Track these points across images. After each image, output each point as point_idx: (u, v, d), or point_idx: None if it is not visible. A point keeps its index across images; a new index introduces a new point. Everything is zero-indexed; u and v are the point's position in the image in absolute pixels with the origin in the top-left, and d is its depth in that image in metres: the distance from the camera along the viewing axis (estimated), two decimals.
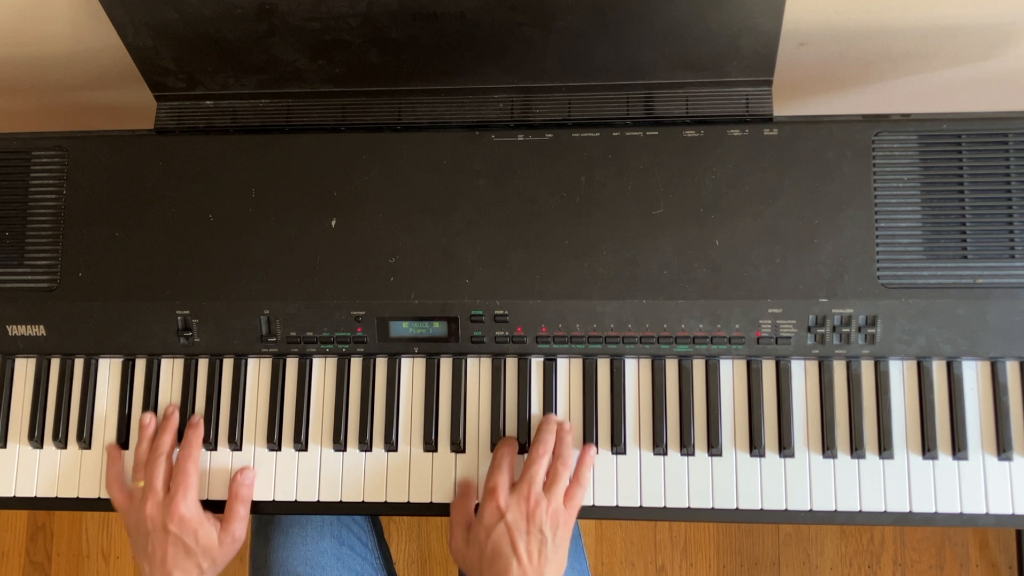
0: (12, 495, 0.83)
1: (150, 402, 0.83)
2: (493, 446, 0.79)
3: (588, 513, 0.78)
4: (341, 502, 0.80)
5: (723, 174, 0.78)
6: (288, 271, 0.80)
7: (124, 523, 0.79)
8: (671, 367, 0.79)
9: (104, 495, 0.82)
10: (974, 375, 0.77)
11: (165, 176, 0.82)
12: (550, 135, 0.80)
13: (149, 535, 0.75)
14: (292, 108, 0.85)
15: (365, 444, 0.80)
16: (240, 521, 0.77)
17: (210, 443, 0.82)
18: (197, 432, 0.80)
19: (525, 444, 0.79)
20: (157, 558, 0.75)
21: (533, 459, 0.74)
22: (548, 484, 0.74)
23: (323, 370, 0.82)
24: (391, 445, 0.80)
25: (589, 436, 0.79)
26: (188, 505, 0.75)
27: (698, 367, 0.79)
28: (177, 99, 0.86)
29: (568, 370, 0.80)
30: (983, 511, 0.75)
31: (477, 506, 0.77)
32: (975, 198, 0.76)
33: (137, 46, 0.80)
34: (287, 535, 0.89)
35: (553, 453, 0.76)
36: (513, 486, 0.74)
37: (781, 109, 0.80)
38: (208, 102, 0.86)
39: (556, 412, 0.80)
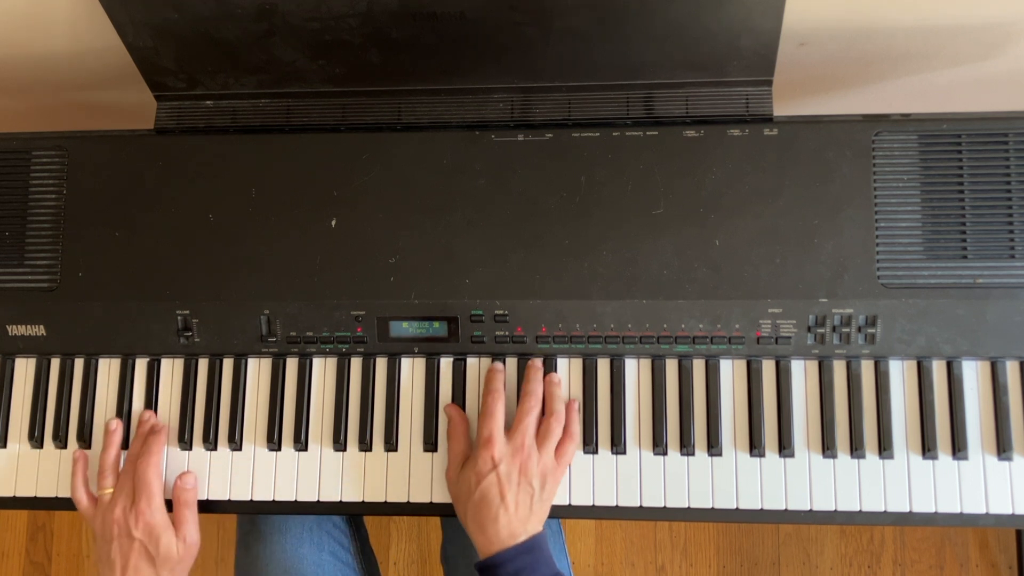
0: (12, 495, 0.83)
1: (150, 402, 0.83)
2: None
3: (588, 513, 0.78)
4: (341, 502, 0.80)
5: (723, 174, 0.78)
6: (288, 271, 0.80)
7: (91, 527, 0.79)
8: (671, 367, 0.79)
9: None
10: (974, 375, 0.77)
11: (165, 176, 0.82)
12: (550, 135, 0.80)
13: (114, 540, 0.76)
14: (292, 108, 0.85)
15: (365, 444, 0.80)
16: (188, 524, 0.78)
17: (210, 443, 0.82)
18: (159, 438, 0.80)
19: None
20: (119, 563, 0.75)
21: (525, 411, 0.76)
22: (540, 437, 0.75)
23: (323, 370, 0.82)
24: (391, 445, 0.80)
25: (589, 436, 0.79)
26: (153, 512, 0.76)
27: (698, 367, 0.79)
28: (177, 99, 0.86)
29: (568, 370, 0.80)
30: (983, 511, 0.75)
31: None
32: (975, 198, 0.76)
33: (137, 46, 0.80)
34: (266, 543, 0.89)
35: (544, 408, 0.77)
36: (506, 434, 0.75)
37: (781, 109, 0.80)
38: (208, 102, 0.86)
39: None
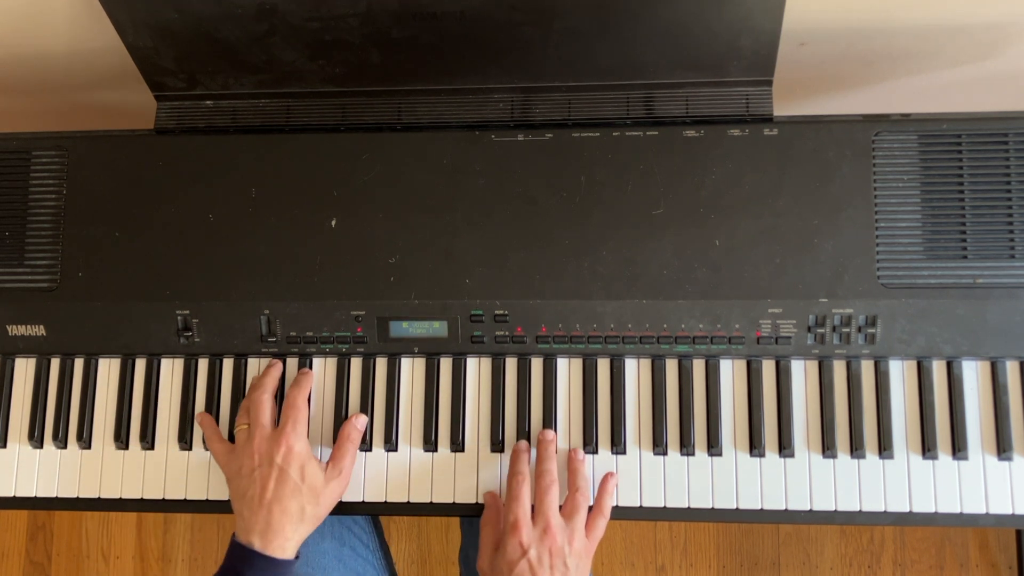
0: (12, 495, 0.83)
1: (150, 402, 0.83)
2: (493, 446, 0.79)
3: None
4: (341, 502, 0.79)
5: (723, 174, 0.78)
6: (288, 271, 0.80)
7: (226, 474, 0.77)
8: (671, 367, 0.79)
9: (105, 495, 0.82)
10: (974, 375, 0.77)
11: (165, 176, 0.82)
12: (550, 135, 0.80)
13: (254, 471, 0.73)
14: (292, 108, 0.85)
15: (365, 444, 0.80)
16: (348, 458, 0.76)
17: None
18: (308, 375, 0.80)
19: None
20: (258, 495, 0.72)
21: (543, 490, 0.74)
22: (568, 514, 0.74)
23: (323, 370, 0.82)
24: (391, 445, 0.80)
25: (589, 436, 0.79)
26: (298, 436, 0.74)
27: (698, 367, 0.79)
28: (177, 99, 0.86)
29: (568, 370, 0.80)
30: (983, 511, 0.75)
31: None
32: (975, 198, 0.76)
33: (137, 46, 0.80)
34: None
35: (570, 484, 0.76)
36: (532, 517, 0.73)
37: (781, 109, 0.80)
38: (208, 102, 0.86)
39: (556, 412, 0.80)
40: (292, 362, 0.82)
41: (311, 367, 0.82)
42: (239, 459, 0.75)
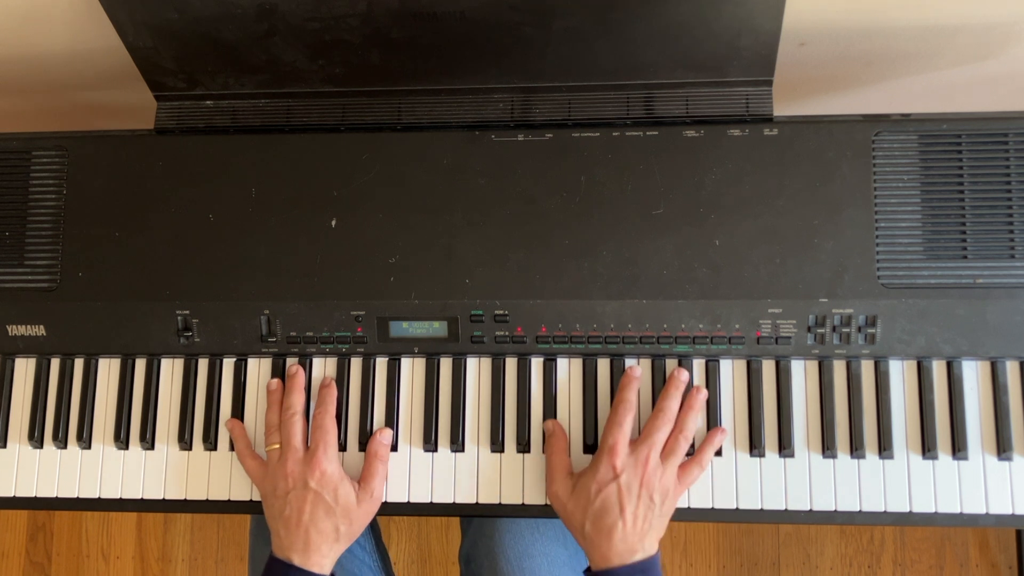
0: (12, 495, 0.83)
1: (150, 402, 0.83)
2: (493, 446, 0.79)
3: None
4: None
5: (723, 174, 0.78)
6: (288, 271, 0.80)
7: (260, 492, 0.77)
8: (671, 367, 0.79)
9: (104, 495, 0.82)
10: (974, 375, 0.77)
11: (165, 176, 0.82)
12: (550, 135, 0.80)
13: (288, 493, 0.74)
14: (292, 108, 0.85)
15: (364, 444, 0.80)
16: (378, 478, 0.76)
17: (210, 443, 0.82)
18: (331, 391, 0.80)
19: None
20: (294, 517, 0.73)
21: (655, 427, 0.74)
22: (666, 453, 0.74)
23: (323, 370, 0.82)
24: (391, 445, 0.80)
25: (589, 436, 0.79)
26: (329, 460, 0.75)
27: (698, 367, 0.79)
28: (177, 99, 0.86)
29: (568, 370, 0.80)
30: (983, 511, 0.75)
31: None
32: (975, 198, 0.76)
33: (137, 46, 0.80)
34: None
35: (677, 422, 0.75)
36: (631, 445, 0.74)
37: (781, 109, 0.80)
38: (208, 102, 0.86)
39: (556, 412, 0.80)
40: (292, 362, 0.82)
41: (311, 367, 0.82)
42: (274, 480, 0.76)
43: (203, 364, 0.83)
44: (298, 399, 0.79)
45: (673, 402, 0.76)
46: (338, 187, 0.80)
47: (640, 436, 0.74)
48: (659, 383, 0.78)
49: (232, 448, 0.81)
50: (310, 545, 0.73)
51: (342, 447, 0.80)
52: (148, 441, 0.82)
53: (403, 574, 1.54)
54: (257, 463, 0.78)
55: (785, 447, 0.77)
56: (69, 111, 1.07)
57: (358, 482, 0.77)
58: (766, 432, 0.77)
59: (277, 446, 0.77)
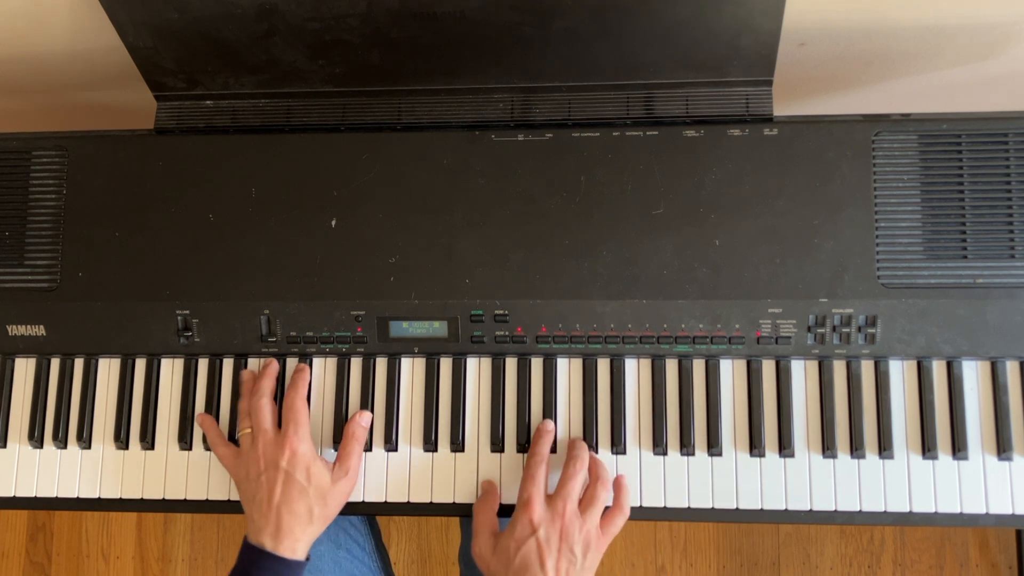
0: (12, 495, 0.83)
1: (150, 402, 0.83)
2: (493, 446, 0.79)
3: None
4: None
5: (723, 174, 0.78)
6: (288, 271, 0.80)
7: (234, 479, 0.77)
8: (671, 367, 0.79)
9: (104, 495, 0.82)
10: (974, 375, 0.77)
11: (165, 176, 0.82)
12: (550, 135, 0.80)
13: (260, 476, 0.73)
14: (292, 108, 0.85)
15: (365, 444, 0.80)
16: (355, 457, 0.76)
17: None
18: (303, 374, 0.80)
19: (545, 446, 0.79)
20: (265, 499, 0.72)
21: (570, 475, 0.73)
22: (585, 504, 0.73)
23: (323, 370, 0.82)
24: (391, 445, 0.80)
25: (589, 436, 0.79)
26: (300, 439, 0.74)
27: (698, 367, 0.79)
28: (177, 99, 0.86)
29: (568, 370, 0.80)
30: (983, 511, 0.75)
31: (500, 508, 0.76)
32: (975, 198, 0.76)
33: (137, 46, 0.80)
34: None
35: (591, 474, 0.75)
36: (547, 499, 0.73)
37: (781, 109, 0.80)
38: (208, 102, 0.86)
39: (556, 412, 0.80)
40: (292, 363, 0.82)
41: (311, 367, 0.82)
42: (246, 464, 0.75)
43: (203, 364, 0.83)
44: (267, 384, 0.78)
45: (583, 452, 0.75)
46: (338, 187, 0.80)
47: (556, 488, 0.73)
48: (659, 383, 0.78)
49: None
50: (282, 528, 0.72)
51: None
52: (148, 441, 0.82)
53: (403, 574, 1.54)
54: (230, 450, 0.78)
55: (785, 447, 0.77)
56: (69, 111, 1.07)
57: (334, 463, 0.76)
58: (766, 432, 0.77)
59: (249, 431, 0.77)
